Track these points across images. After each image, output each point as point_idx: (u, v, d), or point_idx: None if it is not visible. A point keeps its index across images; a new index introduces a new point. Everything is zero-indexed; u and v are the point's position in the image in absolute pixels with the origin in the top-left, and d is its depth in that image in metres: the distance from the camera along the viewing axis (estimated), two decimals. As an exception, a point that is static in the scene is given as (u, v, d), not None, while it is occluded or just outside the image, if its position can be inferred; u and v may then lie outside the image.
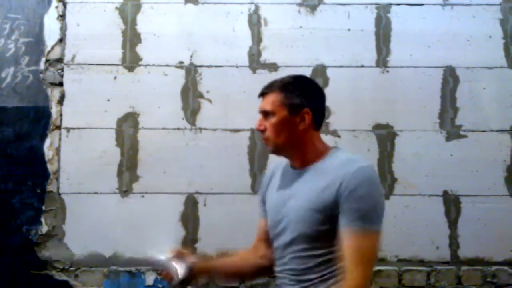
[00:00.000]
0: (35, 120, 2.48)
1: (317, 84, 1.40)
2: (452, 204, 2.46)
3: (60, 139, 2.47)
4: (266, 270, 1.48)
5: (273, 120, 1.31)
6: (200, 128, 2.49)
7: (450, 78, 2.52)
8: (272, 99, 1.32)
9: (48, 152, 2.46)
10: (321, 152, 1.32)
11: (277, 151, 1.35)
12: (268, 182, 1.46)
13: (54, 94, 2.49)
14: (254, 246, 1.51)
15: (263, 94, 1.36)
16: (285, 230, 1.31)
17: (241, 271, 1.52)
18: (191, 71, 2.51)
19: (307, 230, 1.25)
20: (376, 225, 1.21)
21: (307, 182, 1.29)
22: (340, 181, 1.22)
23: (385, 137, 2.49)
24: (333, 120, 2.49)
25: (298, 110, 1.30)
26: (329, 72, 2.51)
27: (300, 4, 2.55)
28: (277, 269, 1.36)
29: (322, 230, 1.23)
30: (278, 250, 1.35)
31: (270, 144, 1.34)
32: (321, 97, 1.37)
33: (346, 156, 1.30)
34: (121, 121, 2.49)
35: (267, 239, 1.43)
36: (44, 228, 2.43)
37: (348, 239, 1.19)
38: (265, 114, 1.33)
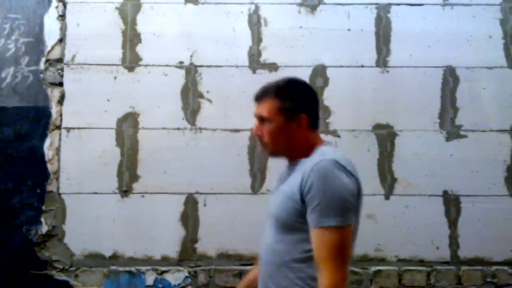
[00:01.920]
0: (35, 120, 2.48)
1: (309, 87, 1.41)
2: (452, 204, 2.46)
3: (60, 139, 2.47)
4: None
5: (270, 126, 1.33)
6: (200, 128, 2.49)
7: (450, 78, 2.52)
8: (268, 105, 1.33)
9: (48, 152, 2.46)
10: (312, 148, 1.35)
11: (276, 154, 1.38)
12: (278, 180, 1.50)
13: (54, 94, 2.49)
14: None
15: (259, 98, 1.37)
16: (271, 221, 1.36)
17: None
18: (191, 71, 2.51)
19: (285, 216, 1.28)
20: (338, 219, 1.19)
21: (291, 177, 1.33)
22: (301, 177, 1.25)
23: (385, 137, 2.49)
24: (333, 120, 2.49)
25: (294, 116, 1.33)
26: (329, 72, 2.51)
27: (300, 4, 2.55)
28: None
29: (298, 221, 1.25)
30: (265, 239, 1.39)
31: (268, 149, 1.36)
32: (315, 99, 1.39)
33: (320, 152, 1.31)
34: (121, 121, 2.49)
35: None
36: (44, 228, 2.43)
37: (313, 237, 1.21)
38: (262, 119, 1.35)
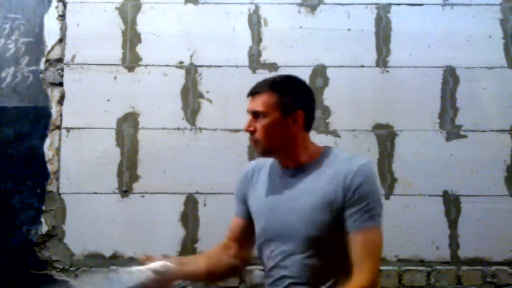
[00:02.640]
0: (35, 120, 2.47)
1: (307, 85, 1.36)
2: (452, 204, 2.46)
3: (60, 139, 2.47)
4: (238, 270, 1.48)
5: (264, 121, 1.26)
6: (200, 128, 2.49)
7: (450, 78, 2.52)
8: (264, 99, 1.27)
9: (48, 152, 2.46)
10: (315, 152, 1.31)
11: (267, 153, 1.31)
12: (249, 181, 1.42)
13: (54, 94, 2.49)
14: (224, 245, 1.46)
15: (253, 94, 1.31)
16: (285, 235, 1.26)
17: (215, 272, 1.44)
18: (191, 71, 2.51)
19: (316, 233, 1.22)
20: (380, 221, 1.22)
21: (307, 183, 1.26)
22: (344, 179, 1.21)
23: (385, 137, 2.49)
24: (333, 120, 2.49)
25: (291, 111, 1.26)
26: (329, 72, 2.51)
27: (300, 4, 2.55)
28: (270, 280, 1.30)
29: (331, 232, 1.22)
30: (273, 259, 1.29)
31: (260, 146, 1.29)
32: (312, 97, 1.34)
33: (344, 154, 1.30)
34: (121, 121, 2.49)
35: (240, 239, 1.42)
36: (44, 228, 2.43)
37: (357, 237, 1.19)
38: (256, 115, 1.28)
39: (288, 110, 1.26)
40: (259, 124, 1.27)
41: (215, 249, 1.48)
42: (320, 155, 1.30)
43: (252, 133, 1.29)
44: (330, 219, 1.21)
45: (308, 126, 1.32)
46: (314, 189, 1.24)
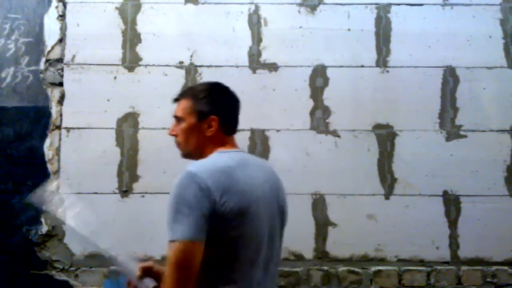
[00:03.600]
0: (35, 120, 2.48)
1: (230, 92, 1.43)
2: (452, 204, 2.46)
3: (60, 139, 2.47)
4: None
5: (183, 126, 1.36)
6: (200, 128, 2.48)
7: (450, 78, 2.52)
8: (183, 105, 1.38)
9: (48, 152, 2.46)
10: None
11: (187, 155, 1.39)
12: None
13: (54, 94, 2.49)
14: None
15: (175, 100, 1.41)
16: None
17: None
18: (191, 71, 2.51)
19: None
20: (172, 235, 1.18)
21: None
22: None
23: (385, 137, 2.49)
24: (333, 120, 2.49)
25: (205, 116, 1.35)
26: (329, 72, 2.51)
27: (300, 4, 2.55)
28: None
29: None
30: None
31: (180, 149, 1.39)
32: (232, 104, 1.42)
33: (190, 164, 1.29)
34: (121, 121, 2.49)
35: None
36: (44, 228, 2.43)
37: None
38: (177, 119, 1.39)
39: (203, 115, 1.35)
40: (179, 128, 1.38)
41: None
42: None
43: (175, 136, 1.39)
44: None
45: (226, 131, 1.38)
46: None
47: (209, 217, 1.19)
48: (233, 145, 1.39)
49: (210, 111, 1.35)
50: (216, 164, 1.27)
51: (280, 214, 1.38)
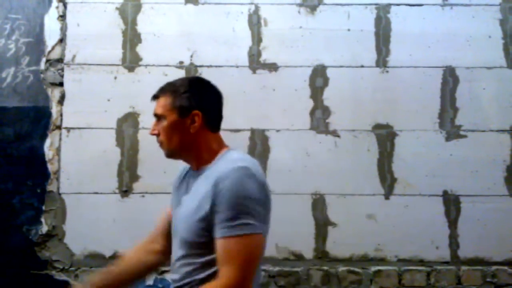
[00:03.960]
0: (35, 120, 2.48)
1: (211, 86, 1.35)
2: (452, 204, 2.46)
3: (60, 139, 2.47)
4: (158, 265, 1.48)
5: (164, 123, 1.29)
6: (200, 128, 2.48)
7: (450, 78, 2.52)
8: (163, 102, 1.31)
9: (48, 152, 2.47)
10: (215, 153, 1.30)
11: (172, 155, 1.33)
12: (182, 175, 1.43)
13: (54, 94, 2.50)
14: (150, 239, 1.47)
15: (154, 97, 1.35)
16: (175, 238, 1.31)
17: (135, 277, 1.46)
18: (191, 71, 2.51)
19: (192, 237, 1.23)
20: (246, 229, 1.16)
21: (196, 186, 1.29)
22: (215, 184, 1.19)
23: (385, 137, 2.49)
24: (333, 120, 2.49)
25: (187, 112, 1.28)
26: (329, 72, 2.51)
27: (300, 4, 2.56)
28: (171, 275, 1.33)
29: (204, 238, 1.21)
30: (172, 254, 1.33)
31: (164, 148, 1.32)
32: (215, 98, 1.34)
33: (232, 156, 1.27)
34: (121, 121, 2.49)
35: (167, 233, 1.41)
36: (44, 228, 2.43)
37: (219, 244, 1.17)
38: (158, 118, 1.32)
39: (185, 111, 1.28)
40: (161, 127, 1.30)
41: (136, 248, 1.48)
42: (216, 157, 1.29)
43: (157, 135, 1.32)
44: (203, 224, 1.20)
45: (212, 126, 1.32)
46: (197, 193, 1.25)
47: (269, 212, 1.22)
48: (223, 142, 1.35)
49: (192, 106, 1.28)
50: (253, 160, 1.27)
51: None
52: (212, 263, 1.20)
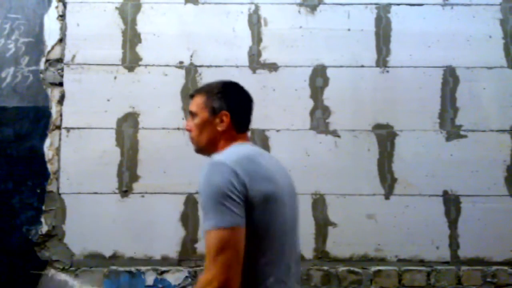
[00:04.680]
0: (35, 120, 2.48)
1: (243, 91, 1.46)
2: (452, 204, 2.46)
3: (60, 139, 2.47)
4: None
5: (196, 120, 1.41)
6: (200, 128, 2.48)
7: (450, 78, 2.52)
8: (197, 101, 1.42)
9: (48, 152, 2.46)
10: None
11: (200, 150, 1.44)
12: None
13: (54, 94, 2.49)
14: None
15: (190, 96, 1.47)
16: None
17: None
18: (191, 71, 2.51)
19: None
20: (211, 224, 1.19)
21: None
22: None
23: (385, 137, 2.49)
24: (333, 120, 2.49)
25: (217, 111, 1.39)
26: (329, 72, 2.51)
27: (300, 4, 2.55)
28: None
29: None
30: None
31: (194, 143, 1.44)
32: (245, 101, 1.45)
33: (214, 156, 1.32)
34: (121, 121, 2.49)
35: None
36: (44, 228, 2.43)
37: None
38: (192, 115, 1.43)
39: (215, 111, 1.40)
40: (193, 123, 1.43)
41: None
42: None
43: (190, 131, 1.44)
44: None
45: (238, 127, 1.41)
46: None
47: (243, 202, 1.23)
48: (245, 140, 1.43)
49: (222, 107, 1.39)
50: (238, 152, 1.31)
51: (297, 207, 1.42)
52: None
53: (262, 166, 1.29)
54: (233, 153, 1.30)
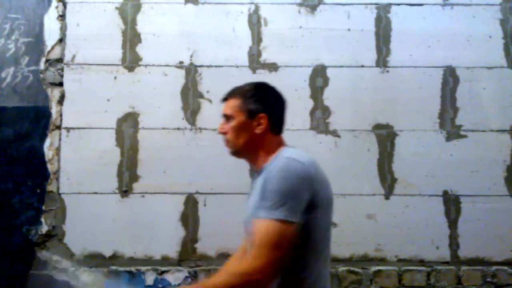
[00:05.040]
0: (35, 120, 2.47)
1: (277, 92, 1.45)
2: (452, 204, 2.46)
3: (60, 139, 2.47)
4: None
5: (232, 123, 1.39)
6: (200, 128, 2.49)
7: (450, 78, 2.52)
8: (232, 104, 1.41)
9: (48, 152, 2.46)
10: (273, 153, 1.37)
11: (236, 153, 1.42)
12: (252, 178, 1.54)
13: (54, 94, 2.49)
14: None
15: (224, 99, 1.45)
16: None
17: None
18: (191, 71, 2.51)
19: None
20: (277, 214, 1.20)
21: (256, 184, 1.36)
22: (264, 179, 1.27)
23: (385, 137, 2.49)
24: (333, 120, 2.49)
25: (254, 114, 1.38)
26: (329, 72, 2.51)
27: (300, 4, 2.55)
28: None
29: None
30: None
31: (230, 146, 1.42)
32: (280, 104, 1.44)
33: (283, 154, 1.33)
34: (121, 121, 2.49)
35: None
36: (44, 228, 2.43)
37: (254, 224, 1.24)
38: (226, 118, 1.42)
39: (252, 113, 1.38)
40: (229, 126, 1.40)
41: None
42: (273, 156, 1.37)
43: (224, 134, 1.42)
44: None
45: (275, 130, 1.41)
46: (255, 192, 1.35)
47: (306, 205, 1.24)
48: (284, 143, 1.42)
49: (259, 109, 1.38)
50: (304, 155, 1.31)
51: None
52: None
53: (323, 172, 1.32)
54: (304, 154, 1.31)
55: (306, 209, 1.24)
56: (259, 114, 1.38)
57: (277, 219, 1.20)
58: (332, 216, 1.36)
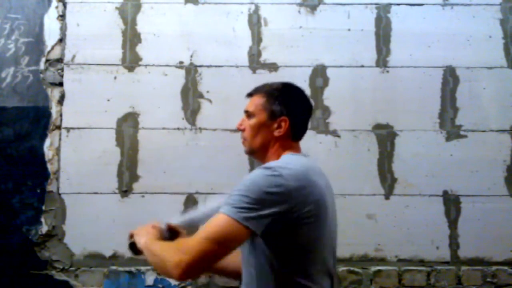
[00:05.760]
0: (35, 120, 2.47)
1: (304, 95, 1.40)
2: (452, 204, 2.46)
3: (60, 139, 2.47)
4: None
5: (252, 121, 1.35)
6: (200, 128, 2.49)
7: (450, 78, 2.52)
8: (256, 101, 1.36)
9: (48, 152, 2.46)
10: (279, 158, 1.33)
11: (251, 152, 1.38)
12: None
13: (54, 94, 2.49)
14: None
15: (249, 95, 1.41)
16: None
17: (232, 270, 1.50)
18: (191, 71, 2.51)
19: None
20: (235, 213, 1.14)
21: None
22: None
23: (385, 137, 2.49)
24: (333, 120, 2.49)
25: (276, 116, 1.33)
26: (329, 72, 2.51)
27: (300, 4, 2.55)
28: None
29: (255, 241, 1.24)
30: None
31: (246, 144, 1.38)
32: (305, 109, 1.39)
33: (281, 159, 1.29)
34: (121, 121, 2.49)
35: None
36: (44, 228, 2.43)
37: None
38: (248, 114, 1.37)
39: (274, 115, 1.33)
40: (248, 124, 1.36)
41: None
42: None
43: (242, 131, 1.38)
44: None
45: (295, 135, 1.36)
46: None
47: (279, 220, 1.16)
48: (298, 150, 1.36)
49: (282, 112, 1.33)
50: (296, 166, 1.23)
51: (336, 216, 1.37)
52: (262, 270, 1.23)
53: (316, 184, 1.23)
54: (293, 164, 1.23)
55: (283, 223, 1.17)
56: (281, 116, 1.32)
57: (232, 218, 1.14)
58: (331, 224, 1.29)
